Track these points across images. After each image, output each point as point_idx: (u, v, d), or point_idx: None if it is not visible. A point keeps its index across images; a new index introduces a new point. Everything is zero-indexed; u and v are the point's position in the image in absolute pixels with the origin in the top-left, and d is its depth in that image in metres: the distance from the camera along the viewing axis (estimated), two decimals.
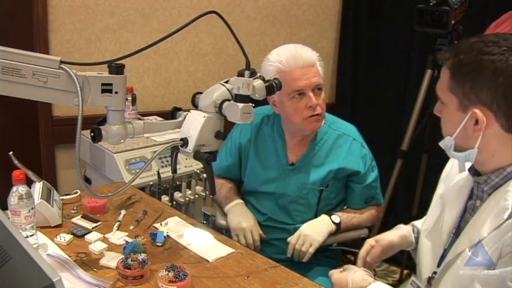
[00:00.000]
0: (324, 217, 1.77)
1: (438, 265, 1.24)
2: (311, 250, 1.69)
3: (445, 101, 1.16)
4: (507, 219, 1.07)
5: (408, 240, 1.45)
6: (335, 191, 1.83)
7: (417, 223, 1.50)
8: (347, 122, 1.90)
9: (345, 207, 1.89)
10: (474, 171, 1.20)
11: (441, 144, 1.20)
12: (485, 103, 1.08)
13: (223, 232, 1.80)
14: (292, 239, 1.73)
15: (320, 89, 1.72)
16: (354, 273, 1.28)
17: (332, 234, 1.75)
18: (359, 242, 1.81)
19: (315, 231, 1.73)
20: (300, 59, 1.68)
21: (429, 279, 1.26)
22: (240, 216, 1.80)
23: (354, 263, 1.46)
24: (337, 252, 1.94)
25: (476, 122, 1.10)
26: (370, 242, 1.43)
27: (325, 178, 1.79)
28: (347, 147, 1.80)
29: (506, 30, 2.19)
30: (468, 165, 1.24)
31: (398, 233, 1.46)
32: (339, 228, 1.76)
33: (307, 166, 1.81)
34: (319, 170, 1.79)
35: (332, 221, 1.75)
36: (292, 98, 1.69)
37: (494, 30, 2.25)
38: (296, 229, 1.79)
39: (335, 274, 1.33)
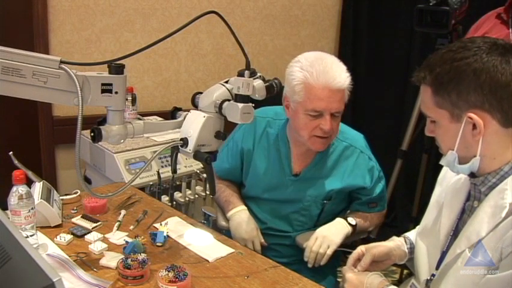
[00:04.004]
0: (339, 220, 1.73)
1: (437, 267, 1.24)
2: (329, 252, 1.64)
3: (435, 118, 1.15)
4: (505, 217, 1.08)
5: (401, 250, 1.43)
6: (337, 203, 1.81)
7: (409, 234, 1.49)
8: (355, 130, 1.84)
9: (348, 212, 1.88)
10: (471, 173, 1.20)
11: (442, 162, 1.19)
12: (476, 105, 1.08)
13: (223, 232, 1.80)
14: (309, 242, 1.67)
15: (337, 115, 1.64)
16: (371, 276, 1.28)
17: (347, 237, 1.71)
18: (358, 243, 1.80)
19: (332, 232, 1.68)
20: (332, 80, 1.57)
21: (427, 282, 1.26)
22: (242, 224, 1.77)
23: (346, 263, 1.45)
24: (337, 253, 1.93)
25: (474, 127, 1.10)
26: (361, 247, 1.40)
27: (329, 193, 1.75)
28: (354, 161, 1.75)
29: (485, 31, 2.22)
30: None
31: (391, 243, 1.44)
32: (354, 230, 1.73)
33: (312, 178, 1.76)
34: (323, 184, 1.75)
35: (348, 223, 1.72)
36: (308, 114, 1.61)
37: (475, 33, 2.28)
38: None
39: (350, 272, 1.32)
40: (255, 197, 1.87)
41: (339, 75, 1.59)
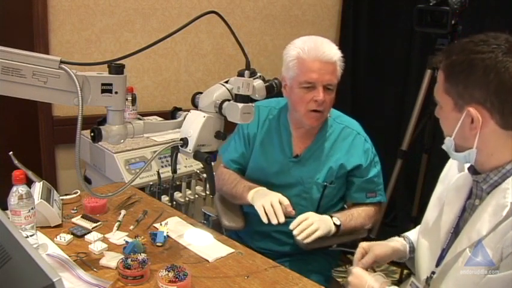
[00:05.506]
0: (327, 216, 1.73)
1: (437, 265, 1.25)
2: (316, 234, 1.63)
3: (441, 103, 1.18)
4: (506, 216, 1.08)
5: (402, 251, 1.45)
6: (337, 188, 1.84)
7: (409, 234, 1.50)
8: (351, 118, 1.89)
9: (345, 206, 1.88)
10: (473, 170, 1.21)
11: (443, 146, 1.21)
12: (478, 101, 1.09)
13: (223, 232, 1.80)
14: (301, 216, 1.66)
15: (330, 88, 1.72)
16: (375, 276, 1.30)
17: (330, 236, 1.71)
18: (358, 243, 1.79)
19: (322, 220, 1.68)
20: (321, 52, 1.69)
21: (428, 279, 1.27)
22: (266, 192, 1.75)
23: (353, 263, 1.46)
24: (337, 252, 1.93)
25: (472, 121, 1.11)
26: (363, 245, 1.42)
27: (328, 173, 1.79)
28: (350, 141, 1.81)
29: None
30: (468, 165, 1.24)
31: (392, 244, 1.46)
32: (338, 231, 1.73)
33: (312, 159, 1.81)
34: (323, 164, 1.80)
35: (333, 223, 1.71)
36: (302, 87, 1.70)
37: None
38: None
39: (357, 267, 1.34)
40: (258, 185, 1.86)
41: (329, 49, 1.71)
